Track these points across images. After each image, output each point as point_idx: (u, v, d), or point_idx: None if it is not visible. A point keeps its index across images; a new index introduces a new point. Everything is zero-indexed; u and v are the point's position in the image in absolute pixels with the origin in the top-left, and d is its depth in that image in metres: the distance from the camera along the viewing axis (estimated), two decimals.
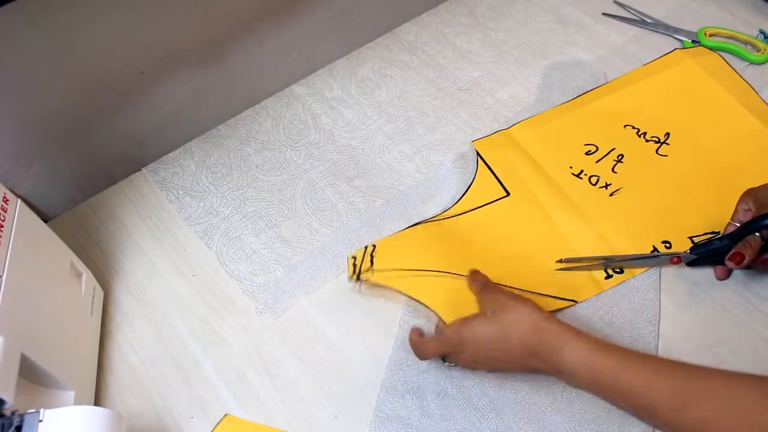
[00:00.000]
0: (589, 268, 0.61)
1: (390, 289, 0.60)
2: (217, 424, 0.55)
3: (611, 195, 0.67)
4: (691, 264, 0.60)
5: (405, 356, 0.58)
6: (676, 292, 0.60)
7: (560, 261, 0.61)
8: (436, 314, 0.57)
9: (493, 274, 0.58)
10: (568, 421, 0.53)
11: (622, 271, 0.61)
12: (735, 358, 0.56)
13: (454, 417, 0.54)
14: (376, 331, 0.60)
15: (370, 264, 0.61)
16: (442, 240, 0.64)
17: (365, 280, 0.60)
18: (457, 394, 0.55)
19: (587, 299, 0.60)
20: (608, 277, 0.61)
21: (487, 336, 0.50)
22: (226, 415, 0.56)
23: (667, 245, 0.62)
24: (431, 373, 0.57)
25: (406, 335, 0.59)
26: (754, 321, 0.58)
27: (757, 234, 0.56)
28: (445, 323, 0.54)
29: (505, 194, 0.67)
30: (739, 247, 0.56)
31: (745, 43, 0.80)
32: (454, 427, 0.54)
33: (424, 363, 0.57)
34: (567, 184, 0.68)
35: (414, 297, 0.59)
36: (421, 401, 0.55)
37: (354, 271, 0.61)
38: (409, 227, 0.65)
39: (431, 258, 0.62)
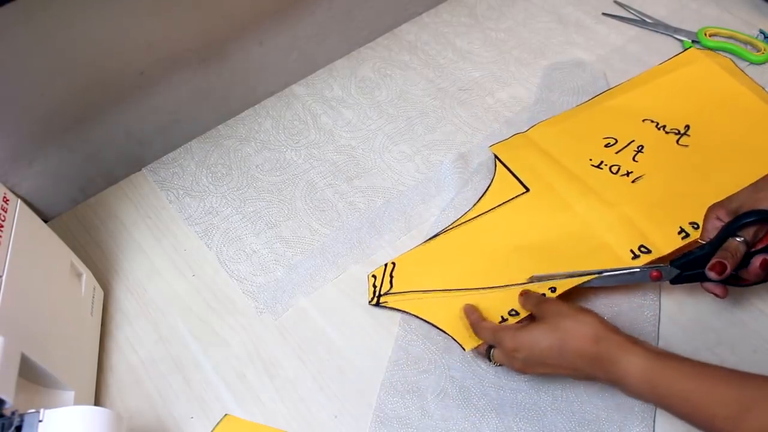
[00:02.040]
0: (560, 279, 0.58)
1: (407, 313, 0.60)
2: (217, 424, 0.55)
3: (633, 182, 0.66)
4: (675, 281, 0.55)
5: (405, 356, 0.58)
6: (676, 292, 0.60)
7: (531, 278, 0.59)
8: (453, 339, 0.58)
9: (517, 270, 0.59)
10: (568, 421, 0.53)
11: (649, 251, 0.59)
12: (735, 359, 0.56)
13: (454, 417, 0.54)
14: (376, 331, 0.60)
15: (389, 285, 0.62)
16: (463, 248, 0.64)
17: (384, 303, 0.61)
18: (457, 394, 0.55)
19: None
20: (635, 257, 0.59)
21: (543, 344, 0.49)
22: (226, 415, 0.56)
23: (695, 226, 0.60)
24: (431, 373, 0.57)
25: (406, 335, 0.59)
26: (754, 321, 0.58)
27: (738, 239, 0.51)
28: (500, 327, 0.54)
29: (525, 190, 0.67)
30: (719, 255, 0.51)
31: (745, 43, 0.80)
32: (454, 427, 0.54)
33: (424, 363, 0.57)
34: (587, 174, 0.67)
35: (431, 321, 0.59)
36: (421, 401, 0.55)
37: (374, 294, 0.61)
38: (428, 240, 0.65)
39: (451, 272, 0.62)
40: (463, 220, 0.66)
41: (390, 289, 0.61)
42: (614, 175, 0.67)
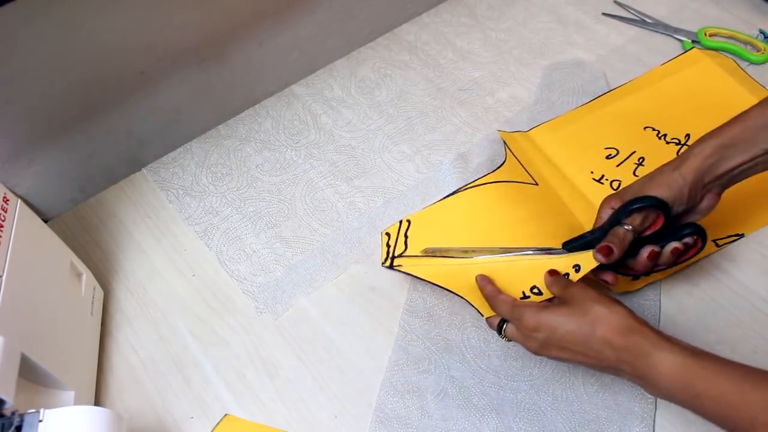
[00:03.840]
0: (453, 257, 0.58)
1: (421, 278, 0.58)
2: (217, 424, 0.55)
3: None
4: None
5: (405, 356, 0.58)
6: (676, 292, 0.60)
7: (425, 250, 0.59)
8: (470, 304, 0.56)
9: (531, 239, 0.59)
10: (568, 421, 0.53)
11: (648, 274, 0.59)
12: (735, 359, 0.56)
13: (454, 417, 0.54)
14: (376, 331, 0.60)
15: (404, 247, 0.59)
16: (479, 208, 0.63)
17: (398, 266, 0.59)
18: (457, 394, 0.55)
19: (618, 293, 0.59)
20: (635, 278, 0.59)
21: (567, 328, 0.47)
22: (226, 415, 0.56)
23: None
24: (431, 373, 0.57)
25: (406, 335, 0.59)
26: (754, 321, 0.58)
27: (625, 226, 0.52)
28: (521, 303, 0.52)
29: (534, 183, 0.67)
30: (606, 240, 0.52)
31: (745, 43, 0.80)
32: (454, 427, 0.54)
33: (424, 363, 0.57)
34: (588, 190, 0.67)
35: (446, 287, 0.57)
36: (421, 401, 0.55)
37: (387, 254, 0.59)
38: (442, 198, 0.64)
39: (467, 232, 0.61)
40: (479, 183, 0.65)
41: (404, 251, 0.59)
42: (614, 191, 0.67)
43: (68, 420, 0.43)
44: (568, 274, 0.54)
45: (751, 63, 0.78)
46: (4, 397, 0.42)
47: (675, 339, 0.46)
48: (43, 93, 0.60)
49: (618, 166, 0.69)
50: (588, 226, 0.63)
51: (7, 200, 0.51)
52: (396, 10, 0.85)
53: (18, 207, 0.52)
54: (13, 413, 0.42)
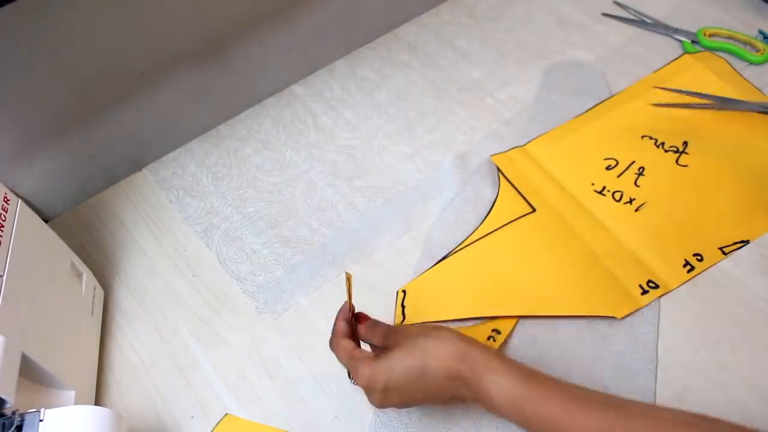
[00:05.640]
0: None
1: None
2: (217, 423, 0.55)
3: (636, 210, 0.65)
4: None
5: None
6: (676, 292, 0.60)
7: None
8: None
9: (527, 298, 0.59)
10: None
11: (657, 287, 0.60)
12: (735, 358, 0.56)
13: (455, 416, 0.54)
14: None
15: (402, 317, 0.60)
16: (472, 271, 0.62)
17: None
18: None
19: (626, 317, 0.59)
20: (644, 292, 0.59)
21: (402, 366, 0.46)
22: (226, 414, 0.56)
23: (699, 258, 0.61)
24: None
25: None
26: (754, 321, 0.58)
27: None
28: (357, 356, 0.48)
29: (531, 210, 0.66)
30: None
31: (745, 43, 0.80)
32: (454, 426, 0.54)
33: None
34: (591, 203, 0.66)
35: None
36: None
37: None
38: (438, 262, 0.63)
39: (462, 297, 0.60)
40: (471, 240, 0.64)
41: (402, 322, 0.59)
42: (617, 202, 0.66)
43: (69, 419, 0.43)
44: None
45: (751, 63, 0.78)
46: (4, 397, 0.42)
47: (507, 359, 0.45)
48: (43, 93, 0.60)
49: (619, 176, 0.68)
50: (592, 244, 0.63)
51: (8, 200, 0.51)
52: (396, 10, 0.85)
53: (18, 207, 0.52)
54: (13, 413, 0.43)
